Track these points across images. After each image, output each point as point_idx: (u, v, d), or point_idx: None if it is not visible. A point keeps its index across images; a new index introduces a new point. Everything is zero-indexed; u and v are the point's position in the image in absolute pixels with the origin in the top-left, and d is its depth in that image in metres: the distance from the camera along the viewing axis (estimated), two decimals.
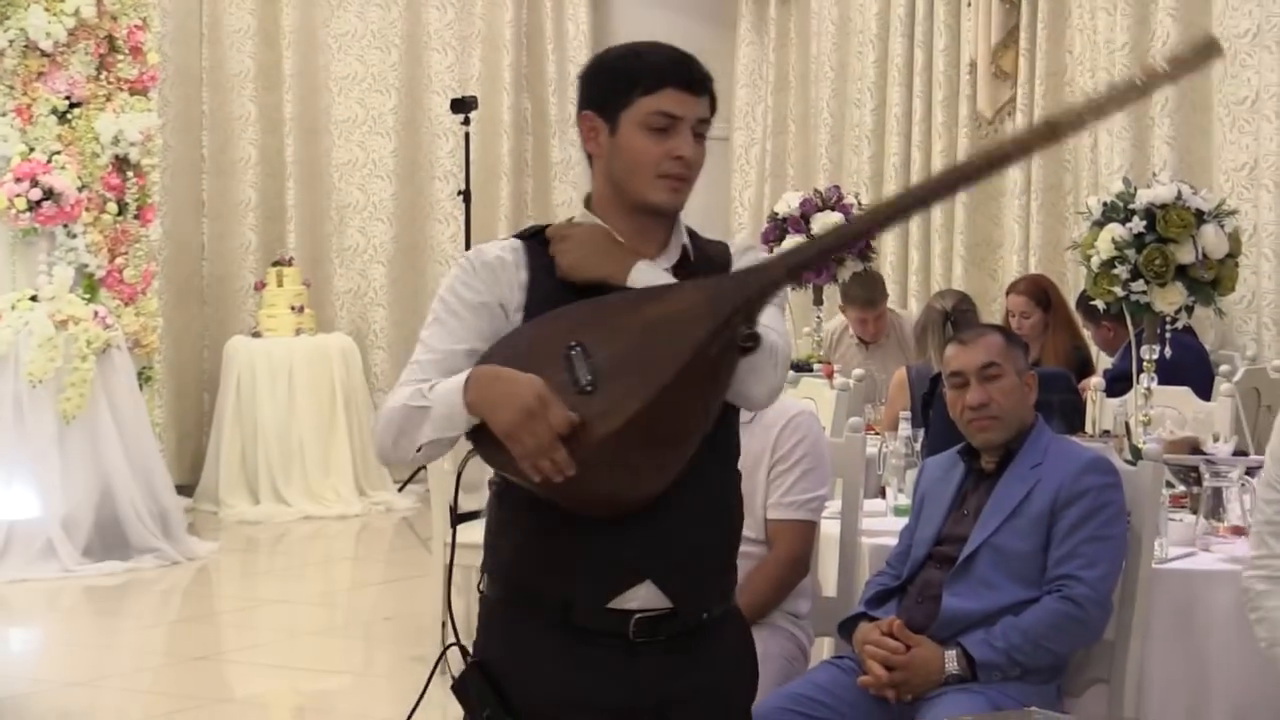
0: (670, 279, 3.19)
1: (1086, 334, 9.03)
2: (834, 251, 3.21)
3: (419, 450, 3.10)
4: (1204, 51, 3.13)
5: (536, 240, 3.27)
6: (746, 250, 3.39)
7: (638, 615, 3.15)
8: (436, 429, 3.06)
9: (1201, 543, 5.22)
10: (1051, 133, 3.10)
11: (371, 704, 7.30)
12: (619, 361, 3.05)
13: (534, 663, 3.18)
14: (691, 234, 3.34)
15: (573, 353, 3.06)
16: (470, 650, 3.25)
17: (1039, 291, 8.80)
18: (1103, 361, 9.07)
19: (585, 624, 3.16)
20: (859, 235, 3.24)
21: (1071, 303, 9.02)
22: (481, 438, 3.05)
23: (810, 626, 5.12)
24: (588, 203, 3.35)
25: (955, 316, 7.65)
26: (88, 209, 10.66)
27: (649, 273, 3.17)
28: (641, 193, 3.22)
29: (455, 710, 3.27)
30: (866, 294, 9.56)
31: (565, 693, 3.17)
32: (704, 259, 3.31)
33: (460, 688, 3.22)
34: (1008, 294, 9.08)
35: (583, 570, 3.15)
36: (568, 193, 13.32)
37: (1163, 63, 3.10)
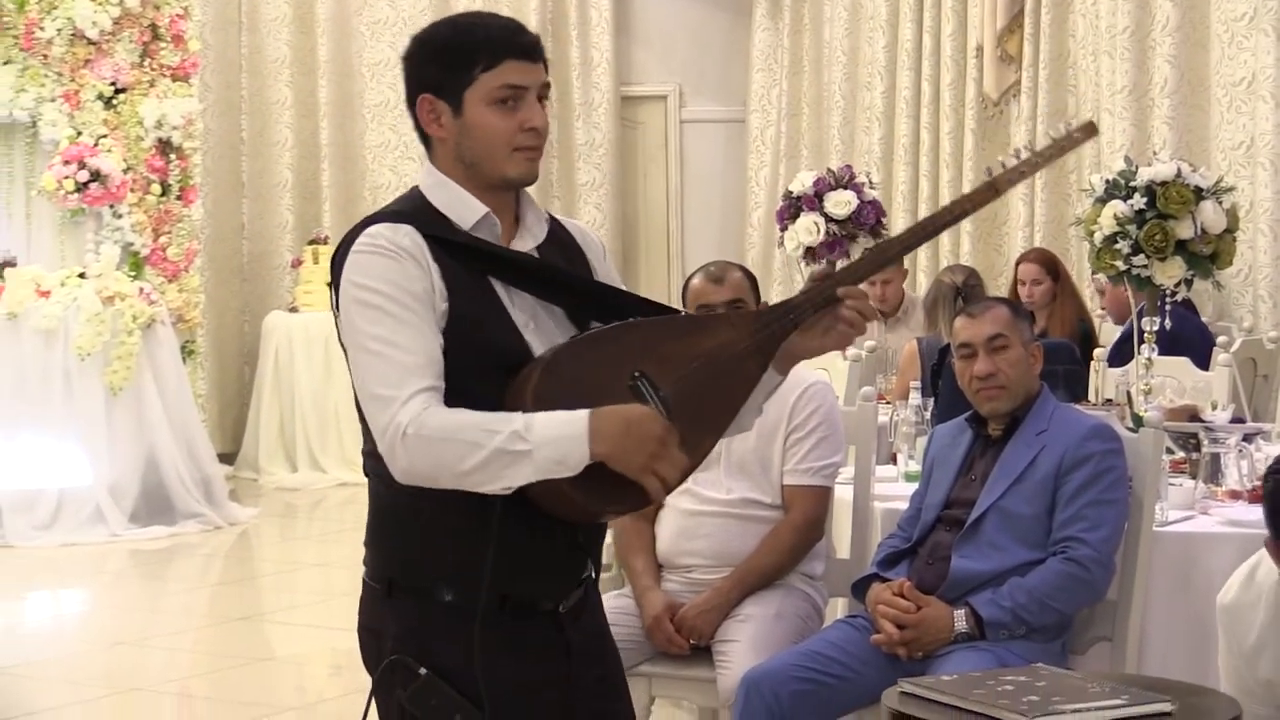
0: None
1: (1093, 304, 9.02)
2: (860, 280, 3.12)
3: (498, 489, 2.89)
4: (1085, 130, 3.24)
5: (418, 224, 3.01)
6: (588, 232, 3.27)
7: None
8: (543, 472, 2.84)
9: (1200, 506, 5.21)
10: (994, 190, 3.15)
11: None
12: (686, 395, 2.96)
13: (487, 658, 2.98)
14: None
15: (640, 384, 2.94)
16: (407, 663, 3.02)
17: (1050, 262, 8.78)
18: (1103, 334, 9.06)
19: (527, 608, 3.03)
20: (864, 275, 3.15)
21: (1081, 273, 9.00)
22: (583, 475, 2.87)
23: (825, 587, 5.12)
24: (442, 178, 3.08)
25: (965, 291, 7.63)
26: (133, 190, 10.70)
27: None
28: (499, 169, 3.01)
29: None
30: None
31: (519, 678, 3.02)
32: (553, 232, 3.15)
33: (419, 700, 3.01)
34: (1018, 264, 9.06)
35: (553, 565, 3.06)
36: (591, 174, 13.30)
37: (1064, 133, 3.21)
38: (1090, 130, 3.25)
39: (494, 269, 3.03)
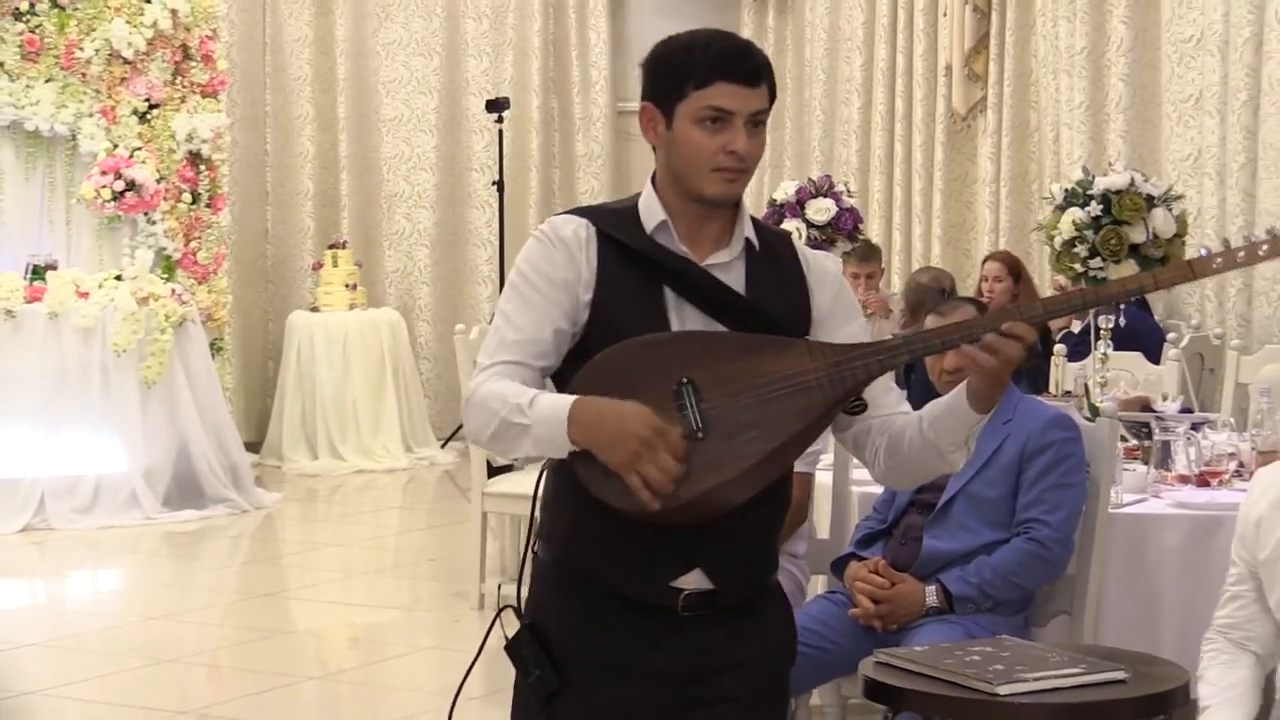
0: None
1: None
2: (955, 345, 2.84)
3: (517, 458, 2.88)
4: None
5: (599, 220, 2.97)
6: (825, 262, 3.06)
7: (686, 592, 2.90)
8: (538, 449, 2.80)
9: (1152, 490, 5.23)
10: (1190, 271, 2.88)
11: (417, 635, 7.27)
12: (731, 413, 2.77)
13: (584, 629, 2.94)
14: (756, 222, 3.01)
15: (684, 389, 2.77)
16: (521, 610, 2.99)
17: (1012, 264, 8.87)
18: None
19: (635, 597, 2.91)
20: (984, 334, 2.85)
21: (1043, 274, 9.04)
22: (583, 458, 2.78)
23: (806, 565, 5.13)
24: (654, 180, 2.99)
25: (950, 293, 7.64)
26: (165, 199, 10.70)
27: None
28: (697, 185, 2.89)
29: (504, 666, 3.07)
30: (861, 253, 9.37)
31: (615, 659, 2.92)
32: (769, 251, 3.00)
33: (513, 648, 2.97)
34: (984, 262, 9.12)
35: (634, 556, 2.89)
36: (590, 183, 13.27)
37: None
38: None
39: (664, 277, 2.93)
